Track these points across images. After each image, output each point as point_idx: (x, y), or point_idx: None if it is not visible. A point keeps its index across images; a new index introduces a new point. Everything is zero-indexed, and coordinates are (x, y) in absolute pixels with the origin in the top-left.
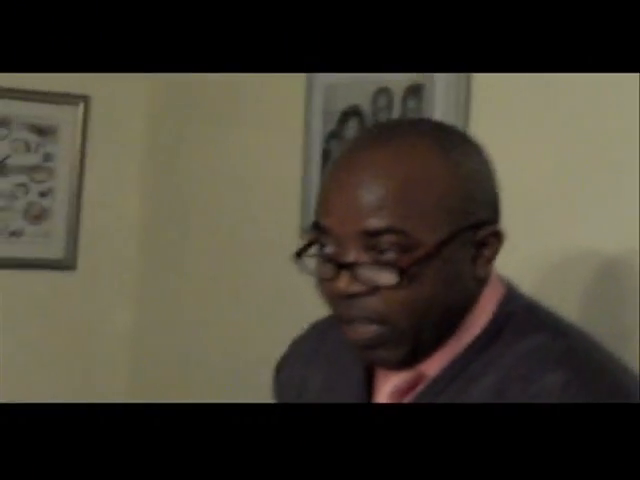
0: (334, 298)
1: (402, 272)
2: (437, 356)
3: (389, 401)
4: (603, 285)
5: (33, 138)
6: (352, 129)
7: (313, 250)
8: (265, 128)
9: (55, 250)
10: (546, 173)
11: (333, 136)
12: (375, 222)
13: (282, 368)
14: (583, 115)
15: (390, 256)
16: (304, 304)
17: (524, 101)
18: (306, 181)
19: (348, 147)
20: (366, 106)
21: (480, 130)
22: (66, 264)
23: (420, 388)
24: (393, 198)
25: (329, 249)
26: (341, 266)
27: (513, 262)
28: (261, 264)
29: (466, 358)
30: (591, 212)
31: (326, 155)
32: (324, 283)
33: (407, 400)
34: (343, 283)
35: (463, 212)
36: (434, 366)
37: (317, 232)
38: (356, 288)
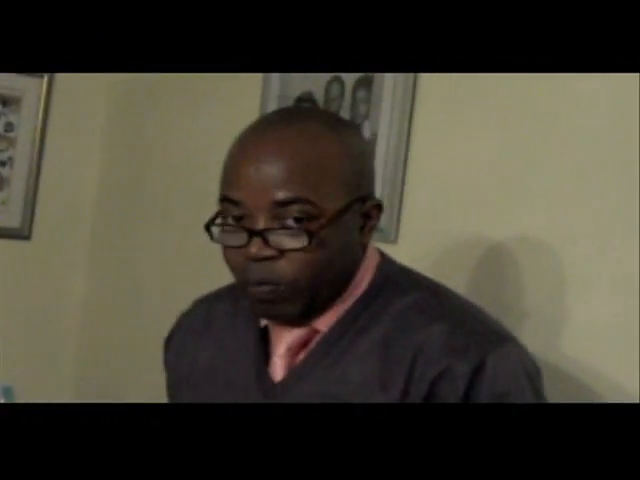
0: (243, 263)
1: (311, 236)
2: (328, 314)
3: (285, 357)
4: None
5: None
6: None
7: (221, 220)
8: (222, 111)
9: (12, 219)
10: (486, 163)
11: None
12: (284, 193)
13: (171, 343)
14: (519, 107)
15: (299, 223)
16: None
17: (466, 94)
18: None
19: (254, 127)
20: (319, 94)
21: (424, 122)
22: (22, 233)
23: (313, 343)
24: (299, 172)
25: (235, 219)
26: (252, 233)
27: (453, 255)
28: (207, 241)
29: (353, 314)
30: (526, 205)
31: None
32: (232, 250)
33: (302, 355)
34: (255, 248)
35: (355, 185)
36: (326, 322)
37: (226, 204)
38: (267, 252)
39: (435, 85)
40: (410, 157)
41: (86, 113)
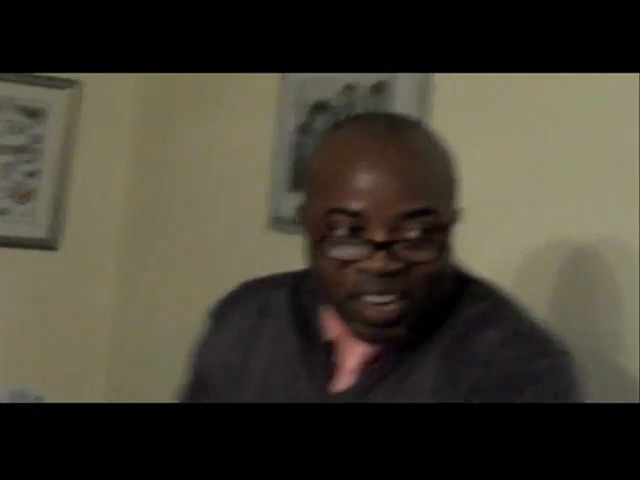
0: (355, 278)
1: (442, 248)
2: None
3: (356, 372)
4: (571, 278)
5: (22, 120)
6: (321, 122)
7: (339, 233)
8: (241, 118)
9: (39, 230)
10: (504, 170)
11: (302, 129)
12: (412, 205)
13: (221, 320)
14: (541, 112)
15: (428, 234)
16: None
17: (478, 101)
18: (275, 171)
19: (358, 135)
20: (334, 101)
21: (436, 129)
22: (49, 244)
23: (385, 357)
24: (424, 182)
25: (348, 231)
26: (378, 246)
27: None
28: (234, 248)
29: (420, 329)
30: (549, 207)
31: (298, 147)
32: (340, 263)
33: (374, 368)
34: (380, 262)
35: (454, 193)
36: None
37: (337, 215)
38: (394, 266)
39: (447, 92)
40: None
41: (112, 124)
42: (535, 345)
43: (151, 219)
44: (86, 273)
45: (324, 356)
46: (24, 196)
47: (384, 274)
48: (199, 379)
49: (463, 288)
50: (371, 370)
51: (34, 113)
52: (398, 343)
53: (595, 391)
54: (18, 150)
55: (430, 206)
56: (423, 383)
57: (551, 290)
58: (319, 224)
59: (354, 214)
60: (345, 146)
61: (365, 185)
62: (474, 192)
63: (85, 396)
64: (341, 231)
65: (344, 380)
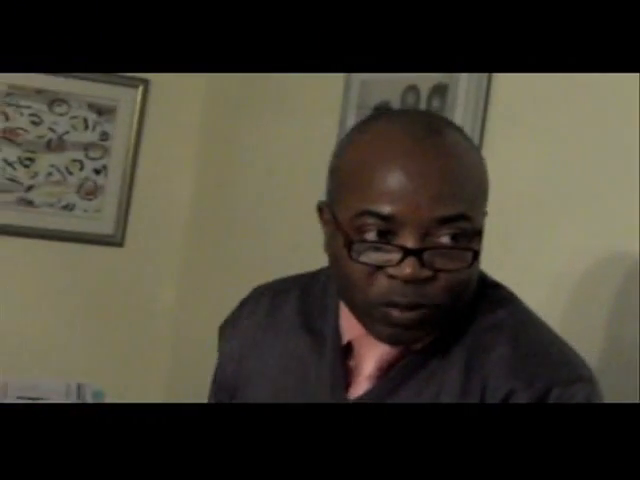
0: (385, 283)
1: (475, 256)
2: None
3: (373, 378)
4: (602, 284)
5: (91, 116)
6: None
7: (368, 237)
8: (305, 120)
9: (105, 226)
10: (562, 173)
11: None
12: (447, 210)
13: (232, 330)
14: (600, 115)
15: (462, 241)
16: None
17: (539, 102)
18: None
19: (391, 135)
20: (396, 103)
21: (497, 130)
22: (115, 240)
23: (404, 361)
24: (460, 186)
25: (378, 235)
26: (408, 252)
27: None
28: (298, 249)
29: (441, 334)
30: (605, 214)
31: None
32: (368, 269)
33: (393, 372)
34: (410, 268)
35: (486, 197)
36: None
37: (367, 218)
38: (424, 274)
39: (508, 93)
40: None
41: (180, 121)
42: (554, 364)
43: (216, 218)
44: (150, 270)
45: (339, 360)
46: (91, 192)
47: (414, 281)
48: (221, 384)
49: (483, 293)
50: (391, 375)
51: (104, 110)
52: (418, 347)
53: None
54: (87, 147)
55: (466, 212)
56: (446, 388)
57: (613, 295)
58: (347, 226)
59: (386, 218)
60: (379, 144)
61: (399, 187)
62: (532, 194)
63: (146, 393)
64: (371, 235)
65: (361, 385)
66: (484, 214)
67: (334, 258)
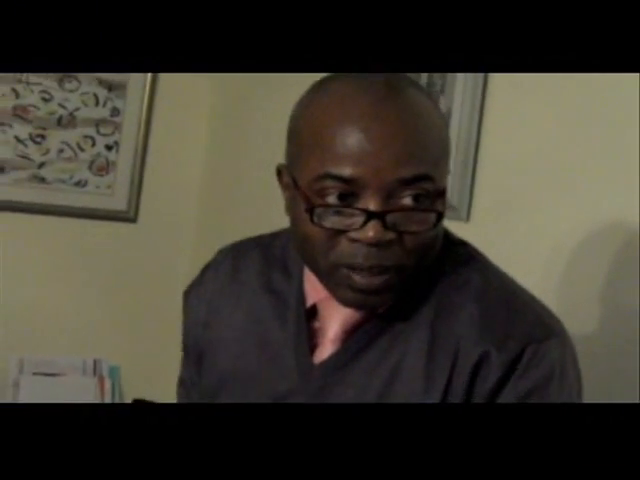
0: (347, 247)
1: (439, 217)
2: None
3: (338, 341)
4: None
5: (102, 92)
6: None
7: (329, 200)
8: None
9: (117, 202)
10: (562, 143)
11: None
12: (410, 171)
13: (196, 295)
14: (592, 111)
15: (425, 202)
16: None
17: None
18: None
19: (351, 95)
20: None
21: (498, 98)
22: (128, 216)
23: (369, 323)
24: (423, 147)
25: (340, 199)
26: (371, 215)
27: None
28: None
29: (406, 295)
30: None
31: None
32: (330, 232)
33: (359, 334)
34: (373, 232)
35: (449, 157)
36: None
37: (327, 182)
38: (388, 236)
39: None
40: (483, 134)
41: (192, 97)
42: (526, 323)
43: (228, 192)
44: (164, 245)
45: (304, 322)
46: (103, 168)
47: (378, 244)
48: (188, 350)
49: (449, 251)
50: (355, 337)
51: (114, 86)
52: (384, 309)
53: None
54: (98, 123)
55: (428, 172)
56: (412, 349)
57: (610, 267)
58: (307, 189)
59: (347, 181)
60: (338, 105)
61: (360, 149)
62: (532, 163)
63: (161, 368)
64: (331, 198)
65: (326, 348)
66: (447, 174)
67: (295, 222)
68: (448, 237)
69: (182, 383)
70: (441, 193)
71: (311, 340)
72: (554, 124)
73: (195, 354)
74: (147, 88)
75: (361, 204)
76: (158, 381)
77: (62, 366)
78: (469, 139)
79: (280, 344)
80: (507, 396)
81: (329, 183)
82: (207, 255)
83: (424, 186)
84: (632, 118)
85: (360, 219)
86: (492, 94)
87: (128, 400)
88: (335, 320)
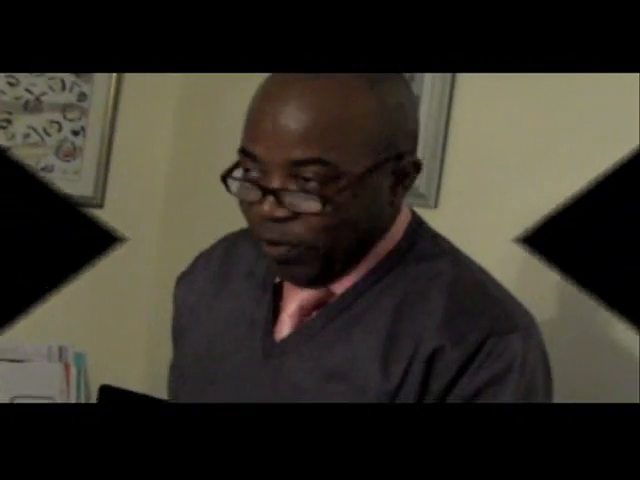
0: (257, 220)
1: (325, 201)
2: (348, 277)
3: (295, 317)
4: None
5: (69, 77)
6: None
7: (238, 173)
8: None
9: (84, 188)
10: (531, 127)
11: None
12: (301, 152)
13: (187, 281)
14: (557, 98)
15: (314, 185)
16: None
17: (502, 85)
18: None
19: (279, 78)
20: None
21: (467, 83)
22: (94, 202)
23: (329, 303)
24: (321, 130)
25: (254, 174)
26: (266, 191)
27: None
28: None
29: (370, 279)
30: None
31: None
32: (248, 205)
33: (313, 316)
34: (267, 207)
35: (387, 144)
36: (343, 285)
37: (243, 157)
38: (280, 213)
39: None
40: (452, 119)
41: (159, 82)
42: (490, 315)
43: (195, 178)
44: (130, 231)
45: (270, 301)
46: (70, 154)
47: (270, 220)
48: (176, 336)
49: (425, 242)
50: (314, 315)
51: None
52: (344, 290)
53: None
54: (64, 108)
55: (322, 156)
56: (373, 332)
57: None
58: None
59: (253, 157)
60: (265, 87)
61: (262, 128)
62: (501, 149)
63: (127, 354)
64: (238, 172)
65: (285, 324)
66: (373, 161)
67: None
68: (424, 227)
69: (172, 369)
70: (341, 178)
71: (275, 317)
72: (522, 111)
73: (181, 340)
74: (114, 73)
75: (264, 181)
76: (124, 368)
77: (27, 352)
78: (437, 126)
79: (254, 324)
80: (465, 387)
81: (242, 158)
82: (173, 242)
83: (315, 170)
84: (594, 105)
85: (259, 194)
86: (461, 81)
87: (94, 387)
88: (294, 298)
